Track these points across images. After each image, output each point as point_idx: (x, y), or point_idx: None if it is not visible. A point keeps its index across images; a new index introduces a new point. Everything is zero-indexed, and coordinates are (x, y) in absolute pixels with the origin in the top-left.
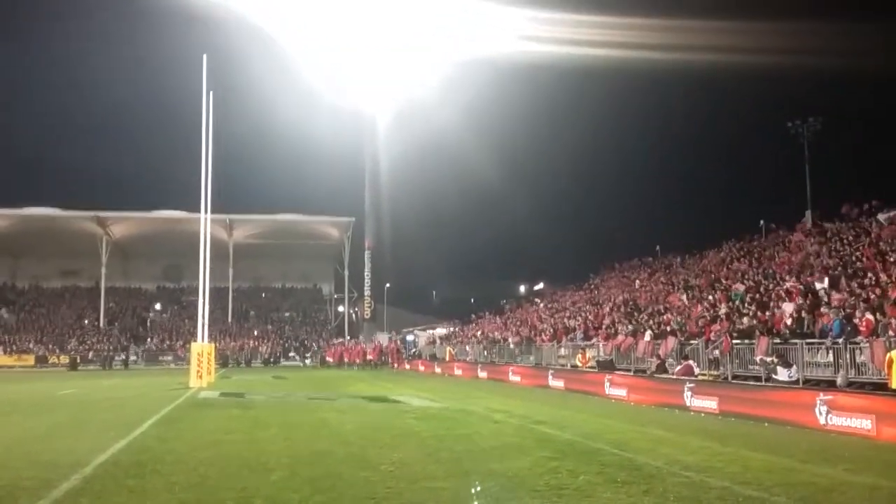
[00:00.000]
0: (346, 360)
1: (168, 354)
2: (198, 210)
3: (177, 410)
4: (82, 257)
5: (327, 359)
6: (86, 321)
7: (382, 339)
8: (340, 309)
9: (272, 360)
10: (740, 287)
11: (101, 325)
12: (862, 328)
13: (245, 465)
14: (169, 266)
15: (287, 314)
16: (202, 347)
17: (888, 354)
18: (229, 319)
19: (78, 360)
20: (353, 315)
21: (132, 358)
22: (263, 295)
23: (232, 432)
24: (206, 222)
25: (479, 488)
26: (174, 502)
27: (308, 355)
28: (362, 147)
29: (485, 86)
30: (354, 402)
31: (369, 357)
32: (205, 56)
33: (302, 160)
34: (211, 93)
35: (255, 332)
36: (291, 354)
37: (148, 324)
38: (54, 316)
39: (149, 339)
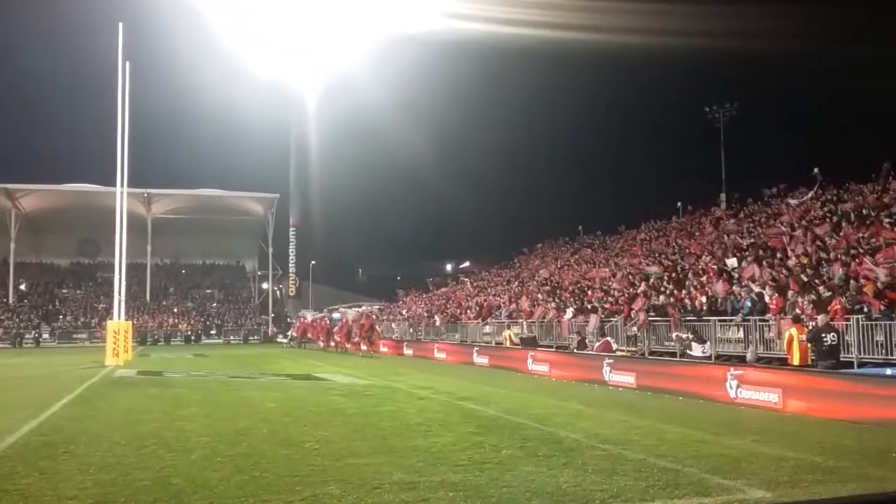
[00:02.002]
0: (309, 336)
1: (83, 332)
2: (115, 184)
3: (91, 390)
4: None
5: (292, 334)
6: None
7: (349, 312)
8: (264, 286)
9: (193, 338)
10: (655, 268)
11: (11, 301)
12: (772, 306)
13: (163, 445)
14: (84, 241)
15: (209, 291)
16: (119, 325)
17: (787, 332)
18: (147, 296)
19: None
20: (278, 292)
21: (44, 336)
22: (184, 271)
23: (149, 412)
24: (122, 196)
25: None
26: (89, 484)
27: (290, 333)
28: (288, 123)
29: (414, 63)
30: (278, 380)
31: (336, 337)
32: (121, 24)
33: (226, 135)
34: (127, 63)
35: (175, 310)
36: (213, 332)
37: (57, 302)
38: None
39: (61, 317)
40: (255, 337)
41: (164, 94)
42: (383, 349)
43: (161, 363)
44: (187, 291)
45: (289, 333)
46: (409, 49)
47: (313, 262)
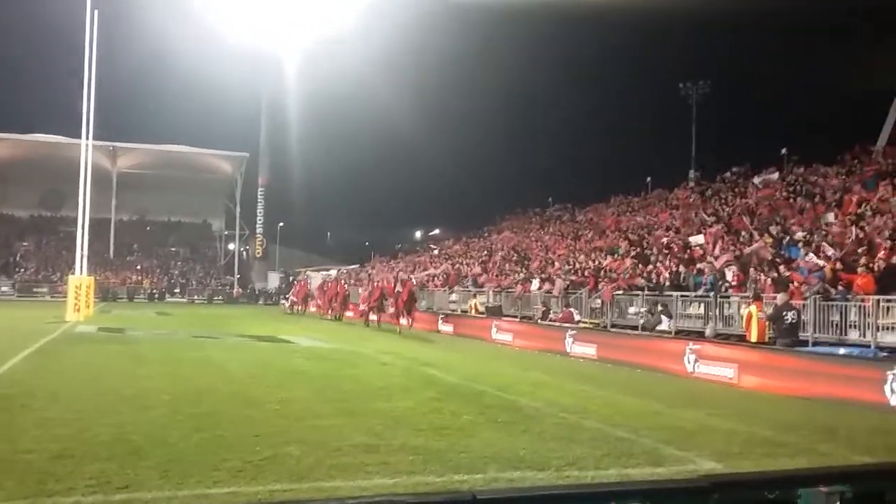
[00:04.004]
0: (315, 303)
1: (43, 286)
2: (79, 136)
3: (51, 344)
4: None
5: (291, 298)
6: None
7: (385, 274)
8: (231, 246)
9: (157, 296)
10: (622, 243)
11: None
12: (734, 283)
13: (123, 402)
14: (47, 194)
15: (174, 249)
16: (81, 280)
17: (747, 310)
18: (111, 252)
19: None
20: (244, 253)
21: (3, 289)
22: (149, 228)
23: (110, 368)
24: (86, 148)
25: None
26: (47, 439)
27: (289, 297)
28: (260, 82)
29: (392, 28)
30: (241, 341)
31: (362, 307)
32: None
33: (196, 91)
34: (96, 11)
35: (139, 267)
36: (177, 291)
37: (18, 255)
38: None
39: (22, 270)
40: (220, 297)
41: (134, 46)
42: (348, 314)
43: (123, 320)
44: (152, 249)
45: (288, 296)
46: (388, 14)
47: (281, 224)
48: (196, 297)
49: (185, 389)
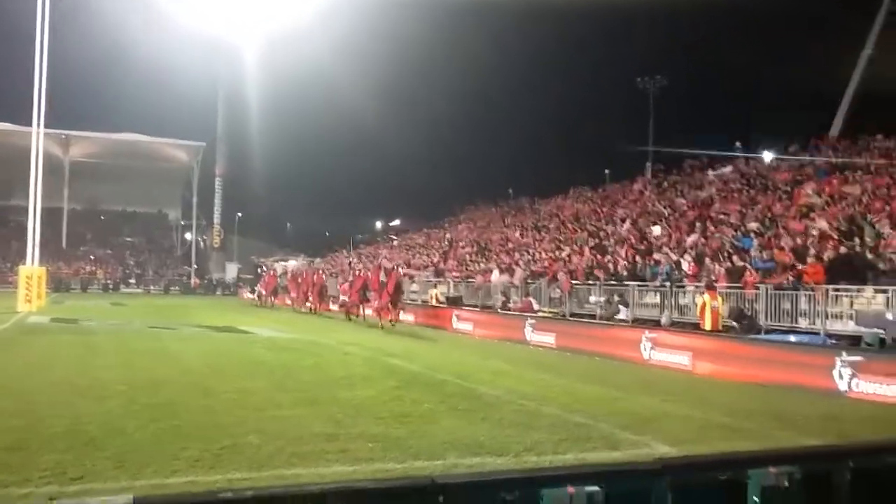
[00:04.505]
0: (290, 294)
1: None
2: (30, 123)
3: (2, 336)
4: None
5: (259, 290)
6: None
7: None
8: (188, 236)
9: (111, 286)
10: (581, 233)
11: None
12: (689, 273)
13: (77, 393)
14: None
15: (129, 239)
16: (32, 270)
17: (700, 299)
18: (63, 242)
19: None
20: (202, 243)
21: None
22: (103, 218)
23: (63, 359)
24: (38, 137)
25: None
26: None
27: (257, 289)
28: (216, 70)
29: (353, 16)
30: (199, 331)
31: (343, 298)
32: None
33: (152, 79)
34: None
35: (93, 257)
36: (132, 281)
37: None
38: None
39: None
40: (177, 288)
41: (88, 32)
42: (308, 304)
43: (76, 311)
44: (106, 239)
45: (256, 288)
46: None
47: (239, 214)
48: (152, 288)
49: (142, 380)
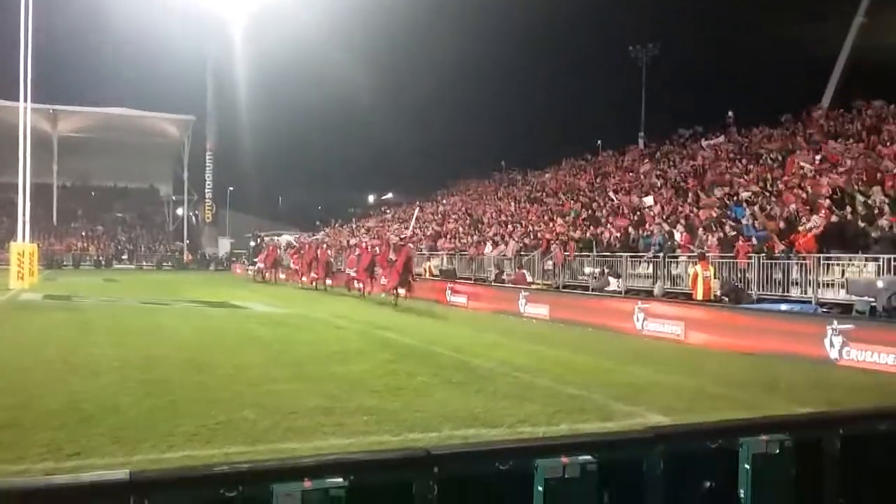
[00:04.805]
0: (292, 268)
1: None
2: (17, 98)
3: None
4: None
5: (259, 265)
6: None
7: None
8: (179, 212)
9: (103, 262)
10: (575, 205)
11: None
12: (681, 243)
13: (72, 370)
14: None
15: (120, 215)
16: (23, 247)
17: (692, 269)
18: (54, 219)
19: None
20: (194, 218)
21: None
22: (93, 194)
23: (57, 336)
24: (26, 112)
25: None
26: None
27: (256, 262)
28: (206, 43)
29: None
30: (192, 306)
31: (350, 271)
32: None
33: (141, 53)
34: None
35: (84, 234)
36: (124, 257)
37: None
38: None
39: None
40: (169, 263)
41: (75, 5)
42: (303, 279)
43: (69, 287)
44: (97, 215)
45: (255, 262)
46: None
47: (231, 189)
48: (144, 264)
49: (136, 356)
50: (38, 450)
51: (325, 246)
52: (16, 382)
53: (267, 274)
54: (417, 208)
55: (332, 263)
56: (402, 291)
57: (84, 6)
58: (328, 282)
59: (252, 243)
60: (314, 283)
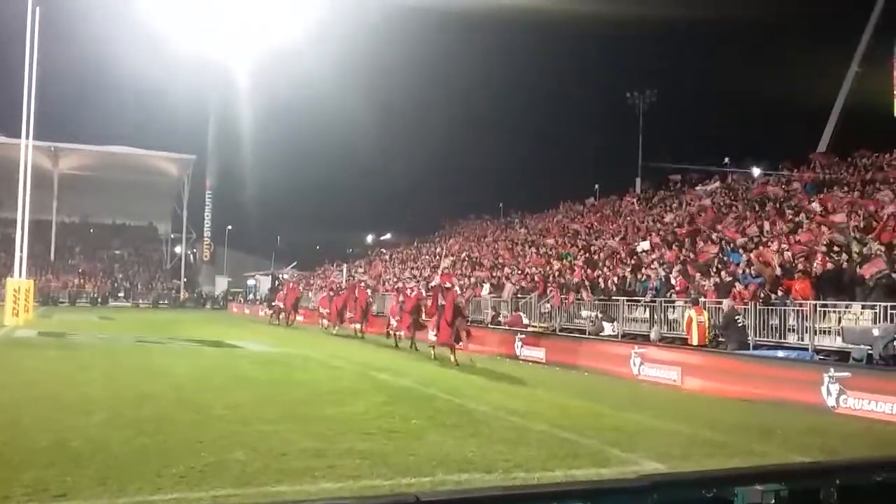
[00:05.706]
0: (322, 309)
1: None
2: (18, 135)
3: None
4: None
5: (277, 305)
6: None
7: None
8: (177, 250)
9: (100, 300)
10: (571, 248)
11: None
12: (677, 288)
13: (63, 408)
14: None
15: (118, 252)
16: (19, 283)
17: (686, 314)
18: (52, 255)
19: None
20: (191, 256)
21: None
22: (92, 231)
23: (49, 373)
24: (27, 149)
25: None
26: None
27: (274, 303)
28: (208, 84)
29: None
30: (187, 345)
31: (393, 320)
32: None
33: (143, 93)
34: (38, 8)
35: (81, 270)
36: (121, 295)
37: None
38: None
39: None
40: (165, 301)
41: (79, 45)
42: (299, 318)
43: (64, 324)
44: (95, 252)
45: (274, 303)
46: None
47: (229, 227)
48: (141, 301)
49: (128, 395)
50: (23, 489)
51: (362, 285)
52: (6, 419)
53: (288, 316)
54: (446, 248)
55: (372, 305)
56: (459, 341)
57: (87, 46)
58: (361, 326)
59: (268, 285)
60: (354, 330)
